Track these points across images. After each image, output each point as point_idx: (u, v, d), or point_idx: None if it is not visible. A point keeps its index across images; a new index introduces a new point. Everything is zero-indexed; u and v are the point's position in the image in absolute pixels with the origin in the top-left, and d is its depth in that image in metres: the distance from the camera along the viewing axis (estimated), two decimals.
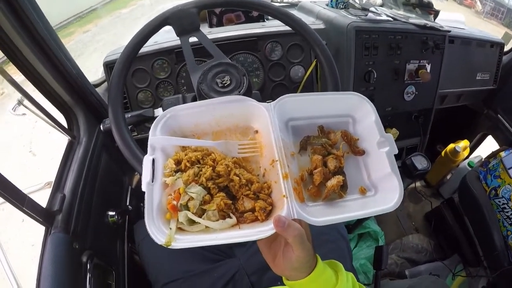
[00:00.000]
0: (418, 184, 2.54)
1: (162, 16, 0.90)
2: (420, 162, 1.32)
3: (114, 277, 1.08)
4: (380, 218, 2.21)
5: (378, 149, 0.70)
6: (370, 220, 2.05)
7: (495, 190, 1.75)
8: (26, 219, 0.92)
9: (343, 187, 0.68)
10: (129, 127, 0.94)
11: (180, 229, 0.57)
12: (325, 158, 0.71)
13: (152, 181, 0.59)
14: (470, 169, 2.22)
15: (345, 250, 1.14)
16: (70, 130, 1.18)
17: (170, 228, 0.56)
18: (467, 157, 2.43)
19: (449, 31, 1.58)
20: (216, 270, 1.04)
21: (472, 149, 2.44)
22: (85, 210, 1.05)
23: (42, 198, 0.98)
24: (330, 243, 1.11)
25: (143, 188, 0.58)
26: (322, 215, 0.61)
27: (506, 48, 1.96)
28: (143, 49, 1.16)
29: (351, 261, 1.18)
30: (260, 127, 0.71)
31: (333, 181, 0.66)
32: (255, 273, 1.02)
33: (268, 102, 0.70)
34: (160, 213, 0.57)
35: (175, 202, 0.58)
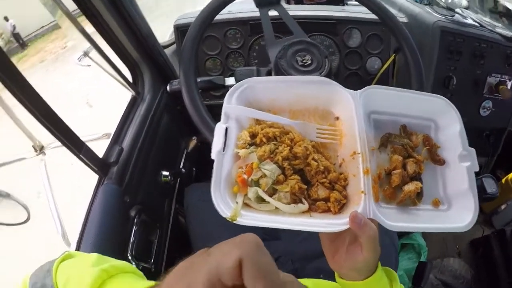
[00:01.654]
0: None
1: None
2: (490, 185, 1.21)
3: (157, 234, 1.09)
4: (426, 233, 2.10)
5: (459, 162, 0.65)
6: (417, 233, 1.97)
7: None
8: (75, 163, 0.92)
9: (418, 195, 0.65)
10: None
11: (246, 205, 0.55)
12: (405, 160, 0.67)
13: (223, 150, 0.57)
14: None
15: (393, 258, 1.11)
16: (135, 86, 1.19)
17: (237, 202, 0.54)
18: None
19: None
20: None
21: None
22: (141, 166, 1.06)
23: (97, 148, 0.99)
24: (381, 248, 1.04)
25: (213, 156, 0.56)
26: (395, 219, 0.58)
27: None
28: (218, 17, 1.16)
29: (397, 270, 1.14)
30: (342, 114, 0.67)
31: (411, 187, 0.63)
32: (299, 260, 1.00)
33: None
34: (228, 185, 0.55)
35: (245, 176, 0.56)
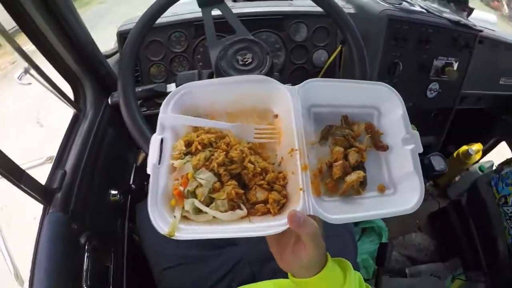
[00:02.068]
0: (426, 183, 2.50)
1: None
2: (438, 162, 1.28)
3: (112, 259, 1.05)
4: None
5: (403, 146, 0.65)
6: None
7: (505, 198, 1.73)
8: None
9: (362, 184, 0.65)
10: (139, 102, 0.89)
11: (185, 218, 0.54)
12: (347, 150, 0.66)
13: (159, 163, 0.55)
14: (480, 173, 2.20)
15: (350, 246, 1.11)
16: (76, 103, 1.13)
17: (174, 216, 0.52)
18: (478, 160, 2.39)
19: (481, 31, 1.51)
20: (218, 257, 1.01)
21: (484, 153, 2.39)
22: (86, 189, 1.01)
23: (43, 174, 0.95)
24: (335, 237, 1.07)
25: (149, 170, 0.54)
26: (338, 212, 0.58)
27: None
28: (161, 20, 1.12)
29: (356, 258, 1.14)
30: (280, 111, 0.66)
31: (353, 177, 0.63)
32: (257, 263, 0.99)
33: (290, 85, 0.65)
34: (165, 199, 0.54)
35: (181, 188, 0.54)
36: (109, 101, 0.94)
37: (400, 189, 0.65)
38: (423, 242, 2.11)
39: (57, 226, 0.86)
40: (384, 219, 2.07)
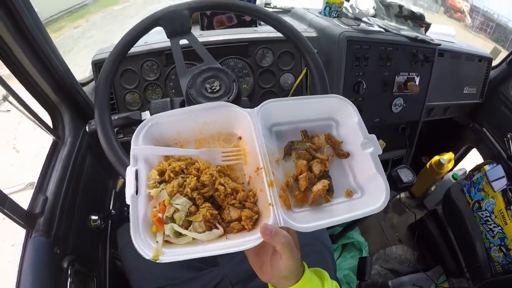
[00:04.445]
0: (402, 195, 2.57)
1: (154, 17, 0.88)
2: (405, 175, 1.32)
3: (95, 283, 1.06)
4: (364, 229, 2.22)
5: (362, 150, 0.70)
6: (354, 231, 2.06)
7: (479, 203, 1.78)
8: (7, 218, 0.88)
9: (329, 191, 0.68)
10: (116, 129, 0.92)
11: (167, 242, 0.57)
12: (310, 162, 0.71)
13: (136, 194, 0.57)
14: (454, 181, 2.25)
15: (329, 261, 1.14)
16: (55, 130, 1.14)
17: (157, 242, 0.55)
18: (452, 169, 2.46)
19: (439, 45, 1.60)
20: (200, 278, 1.03)
21: (457, 161, 2.48)
22: (68, 214, 1.02)
23: (23, 199, 0.94)
24: (314, 253, 1.10)
25: (127, 201, 0.56)
26: (310, 220, 0.61)
27: (494, 63, 2.00)
28: (133, 49, 1.13)
29: (335, 272, 1.17)
30: (243, 133, 0.70)
31: (319, 186, 0.66)
32: (239, 283, 1.01)
33: (249, 109, 0.70)
34: (146, 226, 0.56)
35: (160, 215, 0.57)
36: (87, 129, 0.97)
37: (367, 191, 0.69)
38: (404, 254, 2.14)
39: (40, 250, 0.87)
40: (363, 234, 2.11)
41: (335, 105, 0.75)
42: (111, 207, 1.35)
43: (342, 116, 0.76)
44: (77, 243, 1.03)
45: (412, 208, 2.49)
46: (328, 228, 1.88)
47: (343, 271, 1.88)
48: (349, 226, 1.86)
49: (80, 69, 1.42)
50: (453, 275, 2.04)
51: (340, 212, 0.65)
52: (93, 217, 1.15)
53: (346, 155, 0.74)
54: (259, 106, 0.70)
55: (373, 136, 0.70)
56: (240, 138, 0.71)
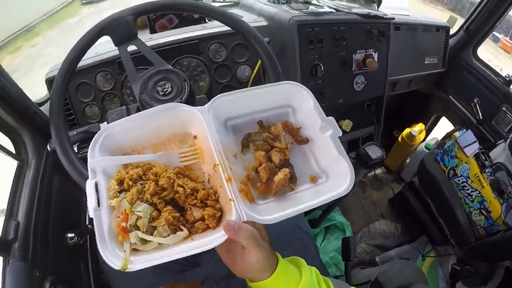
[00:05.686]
0: (379, 171, 2.61)
1: (98, 27, 0.86)
2: (374, 151, 1.33)
3: None
4: (345, 209, 2.25)
5: (322, 134, 0.69)
6: (335, 212, 2.08)
7: (453, 170, 1.80)
8: None
9: (292, 179, 0.68)
10: (78, 144, 0.92)
11: (135, 250, 0.56)
12: (269, 153, 0.70)
13: (99, 206, 0.57)
14: (427, 151, 2.27)
15: (311, 247, 1.15)
16: (18, 154, 1.13)
17: (124, 251, 0.55)
18: (424, 140, 2.50)
19: (393, 18, 1.61)
20: (184, 280, 1.03)
21: (428, 132, 2.53)
22: (42, 235, 1.02)
23: None
24: (294, 241, 1.11)
25: (91, 214, 0.56)
26: (275, 211, 0.61)
27: (451, 31, 2.04)
28: (84, 62, 1.12)
29: (319, 257, 1.19)
30: (197, 132, 0.70)
31: (280, 175, 0.66)
32: (223, 279, 1.02)
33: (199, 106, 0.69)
34: (112, 237, 0.56)
35: (124, 224, 0.57)
36: (48, 148, 0.95)
37: (331, 175, 0.69)
38: (388, 228, 2.17)
39: (19, 276, 0.87)
40: (345, 215, 2.12)
41: (289, 91, 0.74)
42: (87, 222, 1.34)
43: (297, 101, 0.75)
44: (57, 263, 1.03)
45: (389, 182, 2.54)
46: (306, 213, 1.89)
47: (328, 253, 1.91)
48: (327, 209, 1.87)
49: (40, 88, 1.38)
50: (438, 243, 2.08)
51: (306, 199, 0.65)
52: (69, 235, 1.13)
53: (306, 140, 0.73)
54: (209, 103, 0.69)
55: (331, 118, 0.69)
56: (195, 137, 0.70)
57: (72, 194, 1.32)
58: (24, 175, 1.09)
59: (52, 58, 6.48)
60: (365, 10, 1.53)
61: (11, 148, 1.11)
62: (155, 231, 0.58)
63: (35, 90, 1.11)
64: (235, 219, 0.57)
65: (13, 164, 1.12)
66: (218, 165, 0.63)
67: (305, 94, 0.73)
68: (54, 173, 1.19)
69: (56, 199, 1.16)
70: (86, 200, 1.31)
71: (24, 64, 6.35)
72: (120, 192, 0.60)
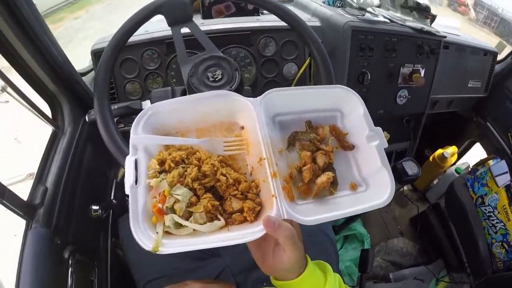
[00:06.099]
0: (405, 188, 2.56)
1: (154, 4, 0.85)
2: (410, 167, 1.31)
3: (96, 273, 1.05)
4: (366, 220, 2.22)
5: (368, 143, 0.69)
6: (357, 222, 2.05)
7: (482, 198, 1.77)
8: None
9: (333, 184, 0.67)
10: (116, 119, 0.91)
11: (167, 233, 0.55)
12: (314, 154, 0.69)
13: (136, 183, 0.56)
14: (457, 175, 2.25)
15: (332, 253, 1.13)
16: (54, 120, 1.13)
17: (157, 233, 0.54)
18: (455, 163, 2.44)
19: (445, 37, 1.57)
20: (201, 269, 1.02)
21: (460, 155, 2.46)
22: (68, 204, 1.01)
23: (24, 190, 0.93)
24: (317, 245, 1.09)
25: (127, 191, 0.55)
26: (313, 213, 0.60)
27: (499, 57, 1.97)
28: (133, 38, 1.10)
29: (338, 264, 1.17)
30: (246, 123, 0.69)
31: (323, 178, 0.65)
32: (241, 273, 1.00)
33: (252, 98, 0.68)
34: (146, 216, 0.55)
35: (160, 205, 0.56)
36: (87, 119, 0.96)
37: (371, 185, 0.68)
38: (406, 247, 2.13)
39: (40, 241, 0.87)
40: (365, 226, 2.10)
41: (341, 96, 0.73)
42: (112, 197, 1.34)
43: (348, 107, 0.74)
44: (78, 233, 1.03)
45: (414, 201, 2.48)
46: None
47: (344, 262, 1.88)
48: (351, 217, 1.85)
49: (80, 59, 1.40)
50: (454, 269, 2.04)
51: (344, 205, 0.64)
52: (94, 207, 1.13)
53: (351, 147, 0.72)
54: (262, 95, 0.68)
55: (379, 129, 0.68)
56: (242, 127, 0.69)
57: (101, 168, 1.34)
58: (58, 142, 1.09)
59: (93, 31, 6.61)
60: (418, 25, 1.50)
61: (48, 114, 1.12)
62: (191, 217, 0.57)
63: (73, 61, 1.12)
64: (275, 216, 0.56)
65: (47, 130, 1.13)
66: (264, 159, 0.61)
67: (356, 100, 0.72)
68: (87, 144, 1.20)
69: (85, 170, 1.16)
70: (113, 175, 1.34)
71: (66, 35, 6.47)
72: (160, 172, 0.59)
